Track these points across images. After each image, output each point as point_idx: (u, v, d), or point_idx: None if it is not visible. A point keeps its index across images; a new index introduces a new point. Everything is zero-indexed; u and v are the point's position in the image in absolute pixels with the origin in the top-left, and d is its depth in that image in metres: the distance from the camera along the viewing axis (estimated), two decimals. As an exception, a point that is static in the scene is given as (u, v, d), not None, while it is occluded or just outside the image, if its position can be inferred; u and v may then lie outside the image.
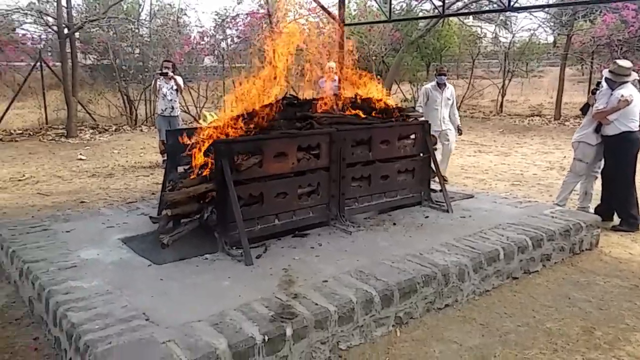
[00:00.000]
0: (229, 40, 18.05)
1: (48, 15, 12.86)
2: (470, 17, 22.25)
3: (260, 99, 4.67)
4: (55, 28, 12.53)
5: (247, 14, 17.14)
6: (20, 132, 12.13)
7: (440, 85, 7.34)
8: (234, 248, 3.88)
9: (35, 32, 14.71)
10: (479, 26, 21.29)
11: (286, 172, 4.30)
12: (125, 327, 2.77)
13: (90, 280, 3.37)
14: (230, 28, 17.71)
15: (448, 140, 7.37)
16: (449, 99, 7.40)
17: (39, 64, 13.23)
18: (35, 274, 3.49)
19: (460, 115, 7.77)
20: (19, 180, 7.72)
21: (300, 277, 3.44)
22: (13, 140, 11.28)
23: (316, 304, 3.03)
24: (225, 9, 18.27)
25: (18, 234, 4.33)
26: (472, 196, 5.69)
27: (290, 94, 5.14)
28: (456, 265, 3.71)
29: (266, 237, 4.12)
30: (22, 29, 14.31)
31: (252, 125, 4.33)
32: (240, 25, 17.51)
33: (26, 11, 13.17)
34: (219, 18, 17.66)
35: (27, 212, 5.92)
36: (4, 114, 12.36)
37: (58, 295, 3.16)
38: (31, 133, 12.06)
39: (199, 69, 17.32)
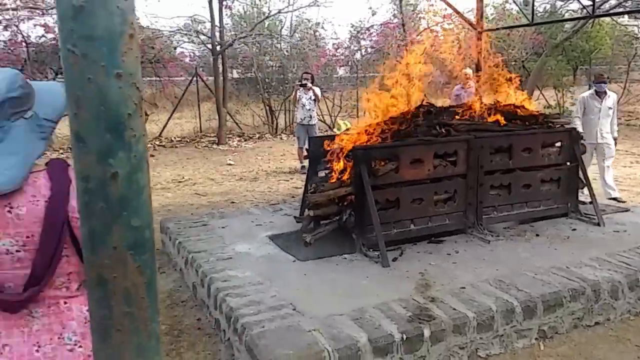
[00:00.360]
0: (362, 50, 18.49)
1: (203, 34, 14.33)
2: (625, 16, 20.14)
3: (396, 107, 4.80)
4: (209, 46, 13.91)
5: (381, 25, 17.44)
6: (179, 139, 13.63)
7: (600, 94, 6.60)
8: (371, 250, 4.02)
9: (192, 50, 16.49)
10: (635, 25, 19.18)
11: (422, 179, 4.35)
12: (275, 314, 3.05)
13: (244, 271, 3.75)
14: (365, 39, 18.14)
15: (604, 154, 6.60)
16: (610, 109, 6.59)
17: (194, 78, 14.77)
18: (199, 262, 3.97)
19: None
20: (179, 181, 8.72)
21: (437, 282, 3.47)
22: (174, 147, 12.73)
23: (454, 309, 3.05)
24: (360, 21, 18.75)
25: (183, 227, 4.94)
26: (627, 210, 5.21)
27: (427, 102, 5.18)
28: (608, 282, 3.46)
29: (402, 242, 4.21)
30: (182, 47, 16.13)
31: (389, 133, 4.47)
32: (373, 36, 17.86)
33: (185, 32, 14.81)
34: (354, 30, 18.17)
35: (187, 210, 6.69)
36: (166, 123, 13.98)
37: (218, 282, 3.57)
38: (188, 140, 13.50)
39: (334, 79, 17.97)
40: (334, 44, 18.03)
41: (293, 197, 7.19)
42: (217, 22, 13.47)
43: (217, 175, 9.26)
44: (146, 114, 13.73)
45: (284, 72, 15.99)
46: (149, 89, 15.63)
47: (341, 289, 3.42)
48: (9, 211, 1.40)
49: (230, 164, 10.30)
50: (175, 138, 13.71)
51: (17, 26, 12.37)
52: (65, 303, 1.52)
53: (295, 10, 15.51)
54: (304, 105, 9.20)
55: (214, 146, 12.71)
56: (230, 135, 13.83)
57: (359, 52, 17.91)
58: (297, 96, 9.29)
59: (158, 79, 15.25)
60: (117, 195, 0.90)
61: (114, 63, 0.86)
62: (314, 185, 4.44)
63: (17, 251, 1.43)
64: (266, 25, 17.84)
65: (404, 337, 2.80)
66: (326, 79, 17.14)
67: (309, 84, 9.23)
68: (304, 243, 4.06)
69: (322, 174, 4.82)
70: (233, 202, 7.11)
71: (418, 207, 4.29)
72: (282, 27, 18.25)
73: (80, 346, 1.52)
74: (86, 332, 1.53)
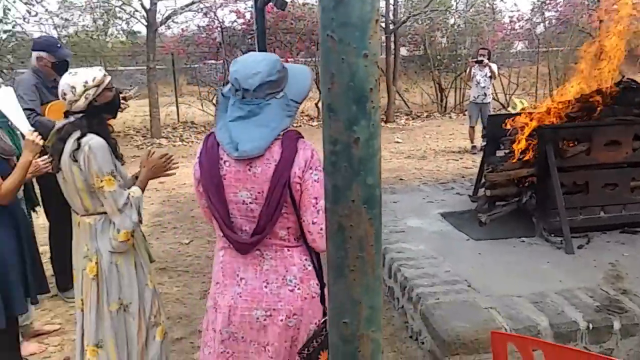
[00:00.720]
0: (546, 23, 16.99)
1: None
2: None
3: (589, 84, 4.41)
4: (382, 24, 14.09)
5: (569, -8, 15.79)
6: (349, 116, 14.18)
7: None
8: (553, 235, 3.83)
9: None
10: None
11: (618, 162, 3.97)
12: (450, 289, 3.12)
13: (417, 245, 3.87)
14: (549, 10, 16.63)
15: None
16: None
17: (366, 57, 15.11)
18: (373, 233, 4.19)
19: None
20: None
21: (630, 274, 3.19)
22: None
23: (651, 305, 2.80)
24: (546, -11, 17.18)
25: (357, 199, 5.21)
26: None
27: (627, 78, 4.65)
28: None
29: (589, 229, 3.92)
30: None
31: (580, 111, 4.15)
32: (560, 6, 16.26)
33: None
34: (537, 0, 16.75)
35: (358, 184, 7.01)
36: (338, 101, 14.62)
37: (392, 253, 3.75)
38: (357, 118, 13.98)
39: (510, 55, 16.87)
40: (511, 17, 16.87)
41: (463, 176, 7.07)
42: (391, 0, 13.54)
43: (385, 152, 9.47)
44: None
45: (456, 48, 15.47)
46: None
47: (518, 271, 3.34)
48: (249, 169, 1.70)
49: (398, 142, 10.43)
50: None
51: (214, 12, 13.93)
52: (288, 250, 1.79)
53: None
54: (478, 83, 8.86)
55: (383, 124, 12.96)
56: (399, 114, 13.93)
57: (541, 24, 16.50)
58: (472, 73, 8.98)
59: (332, 58, 15.90)
60: (358, 157, 1.07)
61: (363, 45, 1.02)
62: (491, 164, 4.34)
63: (250, 203, 1.73)
64: (438, 0, 17.38)
65: (590, 326, 2.66)
66: (502, 54, 16.17)
67: (486, 60, 8.85)
68: (479, 222, 4.02)
69: (500, 153, 4.67)
70: (402, 179, 7.25)
71: (611, 193, 3.94)
72: (457, 2, 17.59)
73: (299, 289, 1.78)
74: (304, 277, 1.78)
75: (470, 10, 16.78)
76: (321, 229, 1.66)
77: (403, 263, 3.56)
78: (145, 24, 11.99)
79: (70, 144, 2.21)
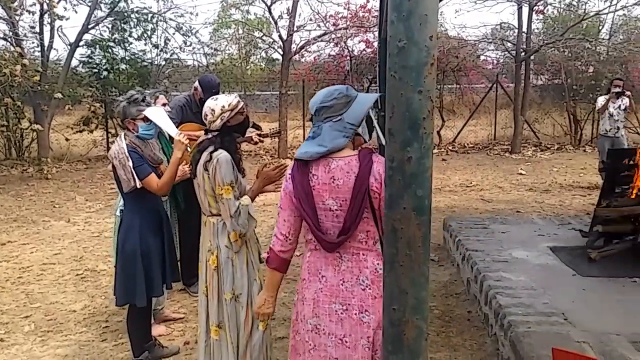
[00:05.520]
0: None
1: (508, 41, 14.19)
2: None
3: None
4: (513, 52, 13.72)
5: None
6: (472, 145, 13.91)
7: None
8: (671, 279, 3.58)
9: (495, 57, 16.49)
10: None
11: None
12: (544, 320, 3.10)
13: (518, 275, 3.85)
14: None
15: None
16: None
17: (494, 85, 14.77)
18: (474, 260, 4.24)
19: None
20: (467, 186, 9.03)
21: None
22: (465, 152, 13.10)
23: None
24: None
25: (464, 227, 5.25)
26: None
27: None
28: None
29: None
30: (485, 55, 16.29)
31: None
32: None
33: (491, 40, 14.93)
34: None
35: (471, 213, 6.97)
36: (461, 130, 14.44)
37: (490, 281, 3.78)
38: (480, 147, 13.66)
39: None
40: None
41: (587, 213, 6.65)
42: (525, 29, 13.16)
43: (505, 183, 9.21)
44: (443, 120, 14.45)
45: (597, 77, 14.45)
46: (449, 96, 16.30)
47: (623, 311, 3.20)
48: (332, 181, 2.01)
49: (521, 174, 10.06)
50: (468, 144, 14.03)
51: (345, 42, 14.67)
52: (363, 255, 2.05)
53: (619, 9, 13.85)
54: (611, 115, 8.31)
55: (507, 155, 12.54)
56: (526, 145, 13.38)
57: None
58: (605, 105, 8.44)
59: (458, 86, 15.80)
60: (409, 172, 1.32)
61: (418, 83, 1.27)
62: (607, 200, 4.17)
63: (336, 209, 2.02)
64: (584, 27, 16.40)
65: (694, 375, 2.51)
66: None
67: (627, 92, 8.31)
68: (588, 259, 3.89)
69: (619, 189, 4.45)
70: (518, 212, 7.04)
71: None
72: (600, 29, 16.48)
73: (370, 288, 2.02)
74: (374, 279, 2.02)
75: (618, 38, 15.63)
76: None
77: (500, 291, 3.58)
78: (282, 53, 13.04)
79: (204, 156, 2.70)
